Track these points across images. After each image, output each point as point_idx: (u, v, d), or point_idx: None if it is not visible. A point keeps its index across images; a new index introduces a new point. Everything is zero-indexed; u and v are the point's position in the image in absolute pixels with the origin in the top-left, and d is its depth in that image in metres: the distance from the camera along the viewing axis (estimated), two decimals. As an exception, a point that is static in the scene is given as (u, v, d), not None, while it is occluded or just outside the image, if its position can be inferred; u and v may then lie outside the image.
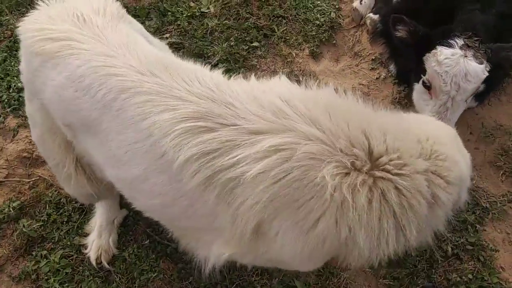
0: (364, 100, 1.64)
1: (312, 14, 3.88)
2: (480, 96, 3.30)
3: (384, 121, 1.61)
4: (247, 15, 3.88)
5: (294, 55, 3.67)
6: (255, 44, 3.71)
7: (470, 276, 2.71)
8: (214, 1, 3.97)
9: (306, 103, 1.54)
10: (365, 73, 3.62)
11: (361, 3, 3.81)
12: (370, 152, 1.49)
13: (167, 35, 3.79)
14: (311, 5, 3.94)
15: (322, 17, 3.86)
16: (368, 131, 1.52)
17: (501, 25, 3.02)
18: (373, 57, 3.68)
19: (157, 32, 3.81)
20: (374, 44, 3.72)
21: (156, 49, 1.92)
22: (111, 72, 1.65)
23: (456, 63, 2.68)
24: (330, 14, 3.87)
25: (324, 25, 3.81)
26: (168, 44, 3.61)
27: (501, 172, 3.15)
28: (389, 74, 3.56)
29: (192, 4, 3.96)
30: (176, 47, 3.71)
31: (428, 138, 1.62)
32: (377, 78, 3.57)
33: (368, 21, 3.74)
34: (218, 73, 1.78)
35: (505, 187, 3.10)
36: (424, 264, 2.75)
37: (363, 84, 3.55)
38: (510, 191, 3.07)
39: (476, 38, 2.76)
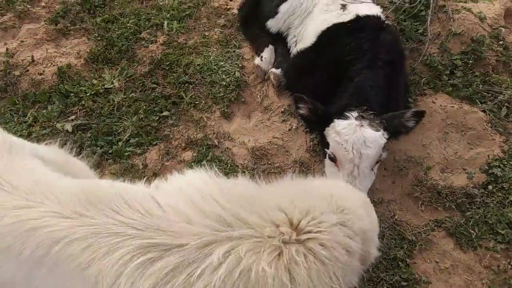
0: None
1: (218, 76, 3.94)
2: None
3: (291, 190, 1.78)
4: (153, 85, 3.85)
5: (205, 119, 3.68)
6: (165, 113, 3.68)
7: (409, 313, 2.75)
8: (118, 76, 3.92)
9: (226, 198, 1.62)
10: (277, 126, 3.69)
11: (261, 60, 3.92)
12: (291, 222, 1.60)
13: (72, 117, 3.66)
14: (215, 67, 4.00)
15: (228, 77, 3.93)
16: (282, 206, 1.64)
17: (390, 74, 3.26)
18: (283, 109, 3.76)
19: (61, 115, 3.67)
20: (281, 97, 3.83)
21: (62, 176, 1.81)
22: (34, 226, 1.51)
23: (353, 131, 2.87)
24: (234, 73, 3.94)
25: (231, 85, 3.87)
26: (74, 126, 3.50)
27: (420, 202, 3.28)
28: (300, 124, 3.65)
29: (95, 81, 3.88)
30: (83, 129, 3.58)
31: (332, 195, 1.75)
32: (289, 130, 3.65)
33: (271, 76, 3.84)
34: (142, 185, 1.82)
35: (426, 216, 3.22)
36: (364, 310, 2.75)
37: (277, 137, 3.60)
38: (431, 220, 3.19)
39: (371, 112, 2.98)
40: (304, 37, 3.77)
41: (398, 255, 2.98)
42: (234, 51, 4.15)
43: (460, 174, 3.42)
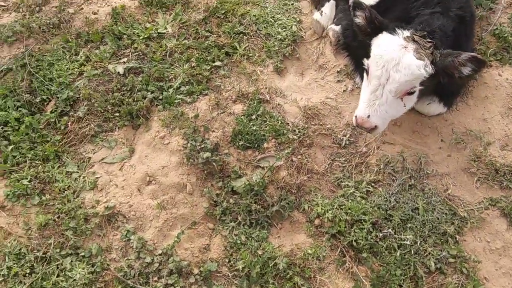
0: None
1: (273, 29, 3.79)
2: (446, 101, 3.30)
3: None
4: (207, 34, 3.75)
5: (258, 72, 3.57)
6: (218, 63, 3.58)
7: (455, 290, 2.68)
8: (171, 21, 3.82)
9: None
10: (331, 86, 3.55)
11: (321, 15, 3.74)
12: None
13: (124, 59, 3.61)
14: (271, 20, 3.84)
15: (284, 31, 3.78)
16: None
17: (459, 29, 3.02)
18: (338, 69, 3.61)
19: (113, 57, 3.63)
20: (338, 56, 3.67)
21: None
22: None
23: (393, 49, 2.69)
24: (291, 27, 3.79)
25: (286, 39, 3.72)
26: (125, 69, 3.47)
27: (476, 179, 3.13)
28: (356, 86, 3.50)
29: (148, 25, 3.80)
30: (134, 72, 3.54)
31: None
32: (344, 91, 3.51)
33: (330, 33, 3.67)
34: None
35: (481, 193, 3.08)
36: (409, 283, 2.68)
37: (330, 98, 3.47)
38: (485, 198, 3.06)
39: (429, 40, 2.75)
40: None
41: (448, 230, 2.87)
42: (292, 4, 3.97)
43: (521, 153, 3.24)
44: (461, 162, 3.22)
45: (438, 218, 2.93)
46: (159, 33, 3.75)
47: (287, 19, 3.85)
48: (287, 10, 3.92)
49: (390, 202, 2.99)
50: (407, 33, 2.76)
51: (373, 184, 3.11)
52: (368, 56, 2.89)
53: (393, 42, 2.72)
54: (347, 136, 3.29)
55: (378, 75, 2.72)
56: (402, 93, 2.76)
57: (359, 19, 2.88)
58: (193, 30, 3.77)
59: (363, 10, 2.84)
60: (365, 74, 2.93)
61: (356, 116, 2.86)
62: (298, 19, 3.87)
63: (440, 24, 2.90)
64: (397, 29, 2.77)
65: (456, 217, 2.96)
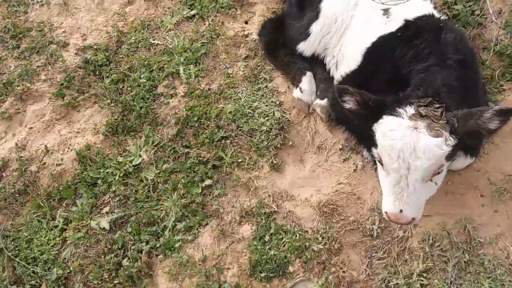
0: None
1: (255, 121, 3.38)
2: (472, 151, 2.87)
3: None
4: (186, 150, 3.34)
5: (254, 180, 3.14)
6: (208, 182, 3.16)
7: None
8: (144, 146, 3.42)
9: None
10: (339, 168, 3.13)
11: (301, 92, 3.34)
12: None
13: (106, 209, 3.20)
14: (249, 111, 3.43)
15: (267, 120, 3.36)
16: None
17: (463, 75, 2.63)
18: (340, 146, 3.20)
19: (93, 210, 3.23)
20: (334, 131, 3.26)
21: None
22: None
23: (403, 135, 2.28)
24: (273, 114, 3.37)
25: (273, 129, 3.31)
26: (110, 222, 3.07)
27: (536, 232, 2.69)
28: (366, 161, 3.08)
29: (120, 159, 3.38)
30: (121, 222, 3.12)
31: None
32: (354, 170, 3.08)
33: (318, 110, 3.27)
34: None
35: (549, 248, 2.64)
36: None
37: (342, 183, 3.05)
38: (557, 253, 2.61)
39: (437, 106, 2.36)
40: (346, 57, 3.17)
41: None
42: (266, 86, 3.56)
43: None
44: (511, 215, 2.78)
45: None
46: (134, 165, 3.34)
47: (266, 105, 3.45)
48: (262, 95, 3.51)
49: (452, 293, 2.54)
50: (411, 110, 2.34)
51: (424, 274, 2.66)
52: (373, 141, 2.48)
53: (400, 127, 2.30)
54: (376, 224, 2.86)
55: (396, 168, 2.30)
56: (430, 176, 2.34)
57: (350, 104, 2.47)
58: (170, 150, 3.36)
59: (351, 94, 2.43)
60: (378, 163, 2.51)
61: (386, 212, 2.42)
62: (277, 102, 3.46)
63: (442, 78, 2.50)
64: (398, 109, 2.36)
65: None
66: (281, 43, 3.49)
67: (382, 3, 3.06)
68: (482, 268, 2.63)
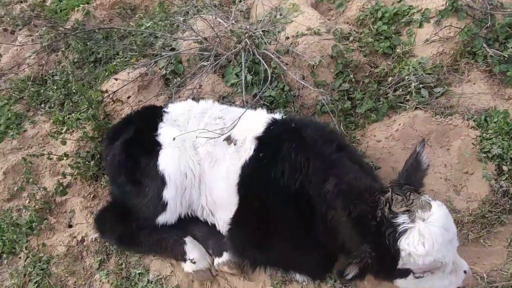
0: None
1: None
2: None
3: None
4: None
5: None
6: None
7: None
8: None
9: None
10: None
11: (194, 263, 2.77)
12: None
13: None
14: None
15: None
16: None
17: (350, 154, 2.61)
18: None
19: None
20: (254, 277, 2.82)
21: None
22: None
23: (428, 235, 2.15)
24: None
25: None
26: None
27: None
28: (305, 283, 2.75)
29: None
30: None
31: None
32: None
33: (225, 268, 2.77)
34: None
35: None
36: None
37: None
38: None
39: (399, 191, 2.27)
40: (218, 203, 2.80)
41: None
42: (148, 281, 2.87)
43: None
44: None
45: None
46: None
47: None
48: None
49: None
50: (404, 216, 2.14)
51: None
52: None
53: (421, 233, 2.09)
54: None
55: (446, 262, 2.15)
56: None
57: (353, 272, 2.13)
58: None
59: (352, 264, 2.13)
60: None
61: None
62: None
63: (348, 173, 2.46)
64: (393, 221, 2.14)
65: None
66: (136, 228, 2.89)
67: (214, 137, 2.77)
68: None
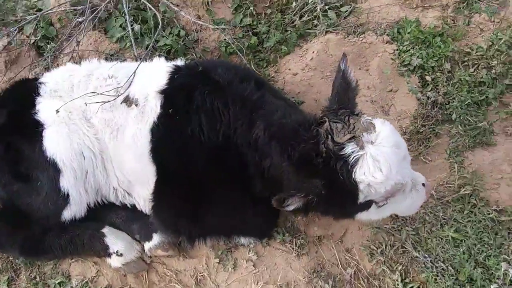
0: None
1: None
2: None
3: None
4: None
5: None
6: None
7: None
8: None
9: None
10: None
11: (120, 255, 2.36)
12: None
13: None
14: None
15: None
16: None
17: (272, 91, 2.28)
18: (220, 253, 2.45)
19: None
20: (194, 253, 2.46)
21: None
22: None
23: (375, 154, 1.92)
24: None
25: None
26: None
27: None
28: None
29: None
30: None
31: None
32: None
33: (159, 252, 2.39)
34: None
35: None
36: None
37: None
38: None
39: (338, 114, 2.02)
40: (133, 179, 2.35)
41: None
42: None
43: None
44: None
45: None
46: None
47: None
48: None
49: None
50: (351, 143, 1.87)
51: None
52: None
53: (365, 157, 1.85)
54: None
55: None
56: None
57: (295, 204, 1.85)
58: None
59: (291, 195, 1.84)
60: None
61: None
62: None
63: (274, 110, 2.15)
64: (342, 152, 1.86)
65: None
66: (39, 231, 2.35)
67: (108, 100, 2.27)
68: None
